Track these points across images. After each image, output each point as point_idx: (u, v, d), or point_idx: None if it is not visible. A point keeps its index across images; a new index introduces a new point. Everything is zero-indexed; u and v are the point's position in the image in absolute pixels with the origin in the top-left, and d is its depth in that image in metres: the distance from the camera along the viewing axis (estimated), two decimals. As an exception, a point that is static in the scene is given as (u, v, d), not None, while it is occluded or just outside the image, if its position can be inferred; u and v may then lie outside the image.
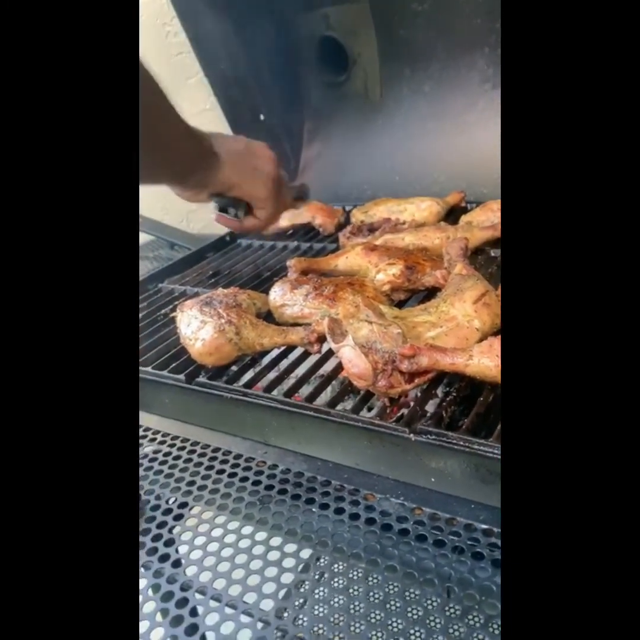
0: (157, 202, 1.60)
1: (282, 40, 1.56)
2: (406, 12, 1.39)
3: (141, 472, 0.71)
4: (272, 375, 0.86)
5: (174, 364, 0.89)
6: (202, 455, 0.72)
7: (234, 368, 0.90)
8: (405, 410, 0.75)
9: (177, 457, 0.73)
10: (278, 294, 0.94)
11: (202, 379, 0.85)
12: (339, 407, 0.75)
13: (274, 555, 0.57)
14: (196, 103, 1.77)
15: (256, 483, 0.66)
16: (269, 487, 0.65)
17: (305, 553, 0.57)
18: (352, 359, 0.68)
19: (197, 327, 0.87)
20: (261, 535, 0.59)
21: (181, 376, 0.85)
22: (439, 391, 0.77)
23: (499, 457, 0.60)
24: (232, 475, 0.68)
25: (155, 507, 0.65)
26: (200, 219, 1.94)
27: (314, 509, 0.61)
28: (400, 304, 0.97)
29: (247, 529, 0.60)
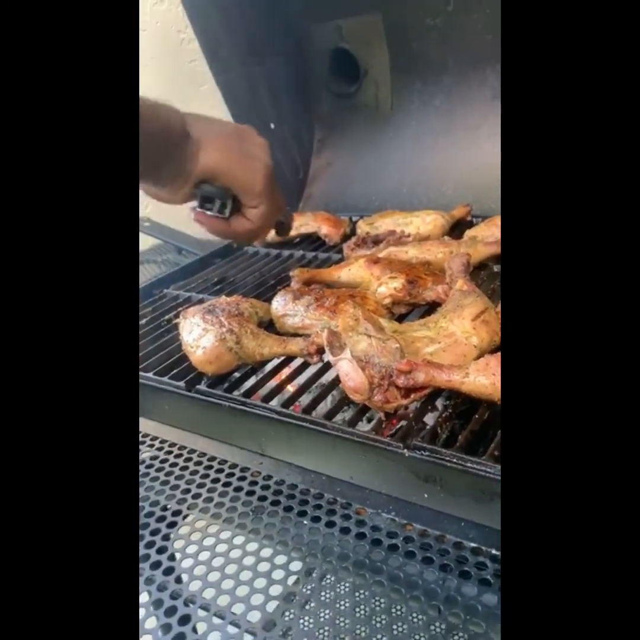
0: (163, 205, 1.61)
1: (294, 50, 1.58)
2: (419, 25, 1.41)
3: (138, 478, 0.72)
4: (272, 383, 0.86)
5: (175, 371, 0.89)
6: (198, 463, 0.73)
7: (237, 374, 0.90)
8: (405, 422, 0.75)
9: (174, 465, 0.73)
10: (280, 304, 0.95)
11: (202, 386, 0.85)
12: (339, 417, 0.75)
13: (263, 567, 0.57)
14: (207, 110, 1.78)
15: (250, 493, 0.67)
16: (263, 498, 0.66)
17: (295, 565, 0.57)
18: (348, 372, 0.69)
19: (199, 334, 0.87)
20: (252, 546, 0.60)
21: (181, 383, 0.86)
22: (439, 405, 0.77)
23: (492, 475, 0.60)
24: (227, 484, 0.69)
25: (149, 514, 0.66)
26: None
27: (305, 522, 0.62)
28: (401, 318, 0.97)
29: (239, 539, 0.61)
